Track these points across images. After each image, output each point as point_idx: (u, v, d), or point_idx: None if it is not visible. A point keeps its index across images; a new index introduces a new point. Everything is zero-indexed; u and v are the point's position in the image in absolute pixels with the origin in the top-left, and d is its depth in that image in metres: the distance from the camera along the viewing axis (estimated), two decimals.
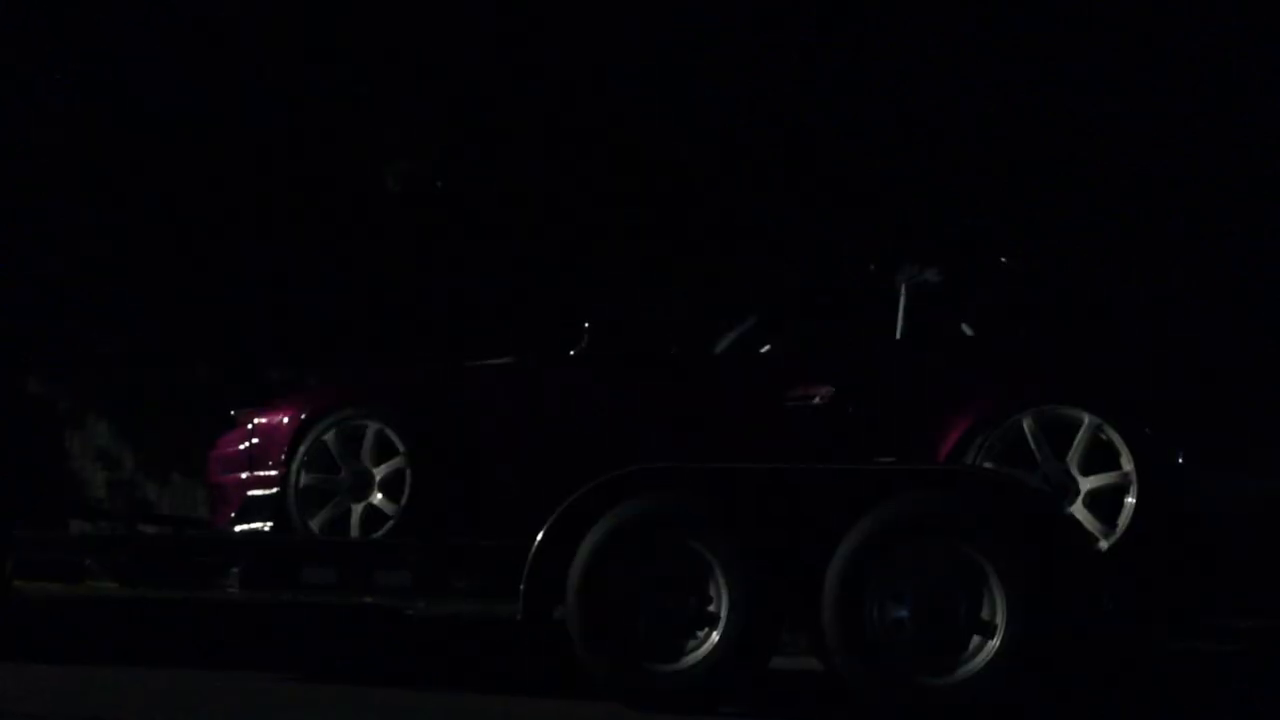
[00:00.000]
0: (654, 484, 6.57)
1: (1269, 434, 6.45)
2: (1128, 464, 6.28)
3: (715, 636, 6.37)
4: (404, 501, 7.15)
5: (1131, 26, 11.01)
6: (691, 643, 6.42)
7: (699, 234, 11.52)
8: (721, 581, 6.36)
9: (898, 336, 6.88)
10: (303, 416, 7.43)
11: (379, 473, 7.22)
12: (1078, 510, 6.36)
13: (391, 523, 7.16)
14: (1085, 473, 6.37)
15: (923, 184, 11.14)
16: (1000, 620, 6.07)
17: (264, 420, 7.61)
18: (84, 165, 12.32)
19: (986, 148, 11.13)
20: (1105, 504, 6.33)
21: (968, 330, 6.88)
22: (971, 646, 6.12)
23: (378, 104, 11.93)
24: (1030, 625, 6.04)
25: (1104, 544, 6.27)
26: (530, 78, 11.62)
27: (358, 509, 7.24)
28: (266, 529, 7.41)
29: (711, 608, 6.39)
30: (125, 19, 11.99)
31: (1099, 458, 6.36)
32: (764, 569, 6.36)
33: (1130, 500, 6.27)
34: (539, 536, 6.60)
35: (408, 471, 7.15)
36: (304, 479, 7.31)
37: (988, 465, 6.42)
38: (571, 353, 7.24)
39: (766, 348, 7.18)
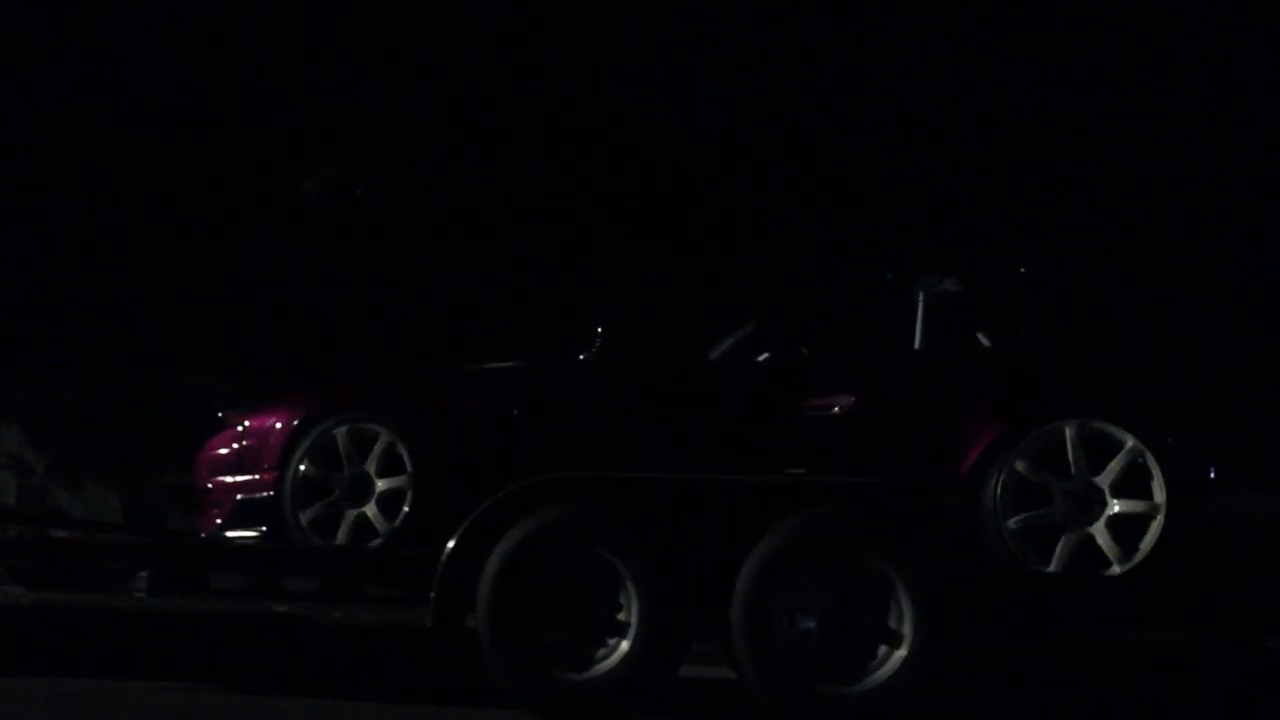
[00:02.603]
0: (566, 493, 6.57)
1: None
2: (1159, 495, 6.25)
3: (625, 645, 6.38)
4: (398, 523, 6.97)
5: (1131, 26, 11.10)
6: (602, 651, 6.43)
7: (702, 236, 11.48)
8: (632, 591, 6.38)
9: (916, 346, 6.86)
10: (302, 416, 7.23)
11: (381, 485, 7.07)
12: (1098, 529, 6.32)
13: (380, 540, 6.98)
14: (1116, 494, 6.34)
15: (938, 190, 11.18)
16: (907, 630, 6.14)
17: (259, 421, 7.41)
18: (84, 165, 12.14)
19: (1003, 153, 11.18)
20: (1125, 528, 6.31)
21: (984, 340, 6.86)
22: (879, 656, 6.20)
23: (377, 104, 11.85)
24: (936, 635, 6.12)
25: (1117, 568, 6.26)
26: (531, 77, 11.56)
27: (351, 515, 7.08)
28: (257, 535, 7.24)
29: (622, 616, 6.40)
30: (125, 19, 11.87)
31: (1130, 482, 6.32)
32: (674, 579, 6.37)
33: (1154, 530, 6.24)
34: (450, 544, 6.59)
35: (410, 493, 6.99)
36: (305, 468, 7.12)
37: (1020, 463, 6.39)
38: (581, 358, 7.14)
39: (765, 355, 7.11)
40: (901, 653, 6.15)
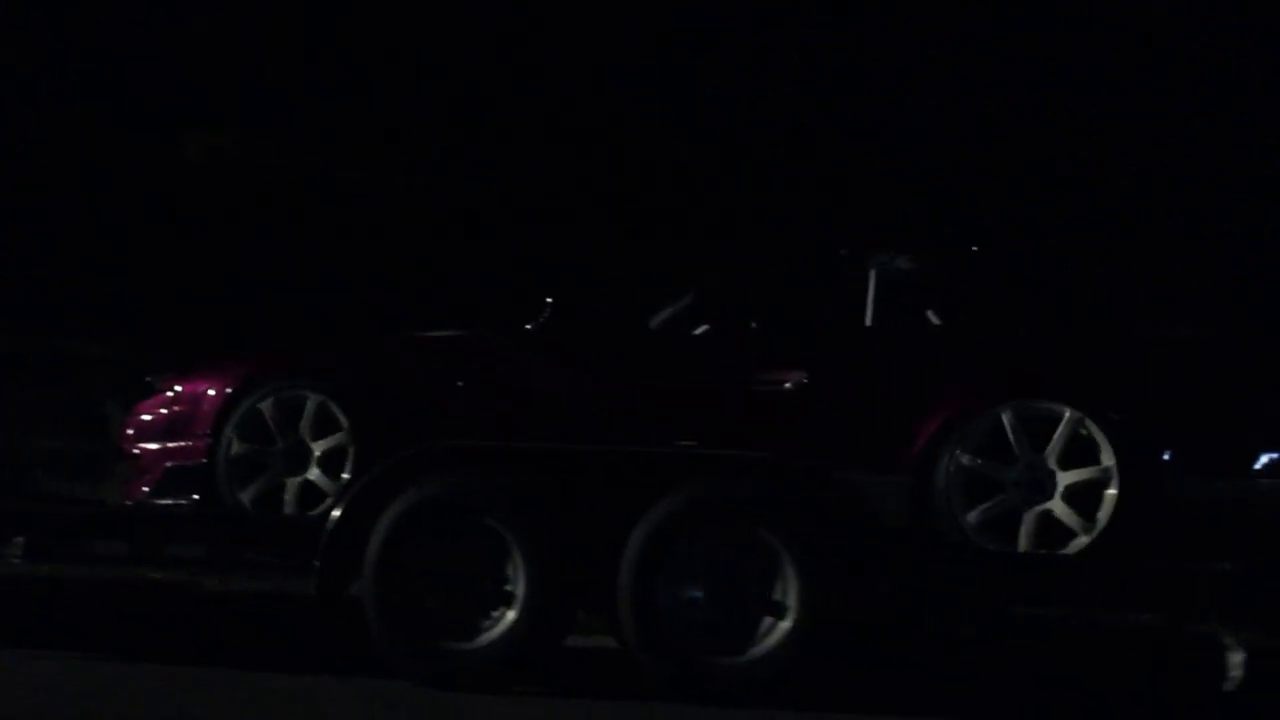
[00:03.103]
0: (453, 462, 6.55)
1: (1246, 430, 6.50)
2: (1108, 459, 6.30)
3: (511, 615, 6.40)
4: (345, 479, 6.86)
5: (1106, 22, 11.26)
6: (487, 622, 6.44)
7: (650, 212, 11.45)
8: (519, 561, 6.39)
9: (868, 323, 6.86)
10: (235, 383, 7.09)
11: (318, 447, 6.97)
12: (1056, 505, 6.38)
13: (330, 500, 6.83)
14: (1064, 467, 6.39)
15: (894, 171, 11.23)
16: (792, 601, 6.22)
17: (190, 387, 7.24)
18: (84, 165, 11.84)
19: (955, 134, 11.27)
20: (1085, 499, 6.35)
21: (934, 319, 6.87)
22: (763, 627, 6.27)
23: (378, 103, 11.69)
24: (820, 608, 6.20)
25: (1084, 539, 6.32)
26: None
27: (293, 483, 6.98)
28: (188, 503, 7.11)
29: (508, 587, 6.41)
30: (125, 19, 11.60)
31: (1078, 452, 6.37)
32: (561, 549, 6.39)
33: (1111, 494, 6.30)
34: (335, 512, 6.55)
35: (350, 449, 6.88)
36: (236, 448, 7.00)
37: (964, 456, 6.41)
38: (529, 327, 7.08)
39: (704, 328, 7.06)
40: (786, 624, 6.23)
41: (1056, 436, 6.38)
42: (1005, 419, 6.41)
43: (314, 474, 6.99)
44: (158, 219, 11.94)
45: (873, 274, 6.89)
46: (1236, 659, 6.24)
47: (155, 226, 11.94)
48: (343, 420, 6.93)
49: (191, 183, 11.82)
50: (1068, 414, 6.36)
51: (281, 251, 11.83)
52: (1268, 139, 11.01)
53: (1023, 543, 6.37)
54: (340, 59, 11.72)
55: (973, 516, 6.40)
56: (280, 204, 11.80)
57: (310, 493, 6.98)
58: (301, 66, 11.65)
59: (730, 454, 6.56)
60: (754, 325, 7.16)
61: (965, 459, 6.42)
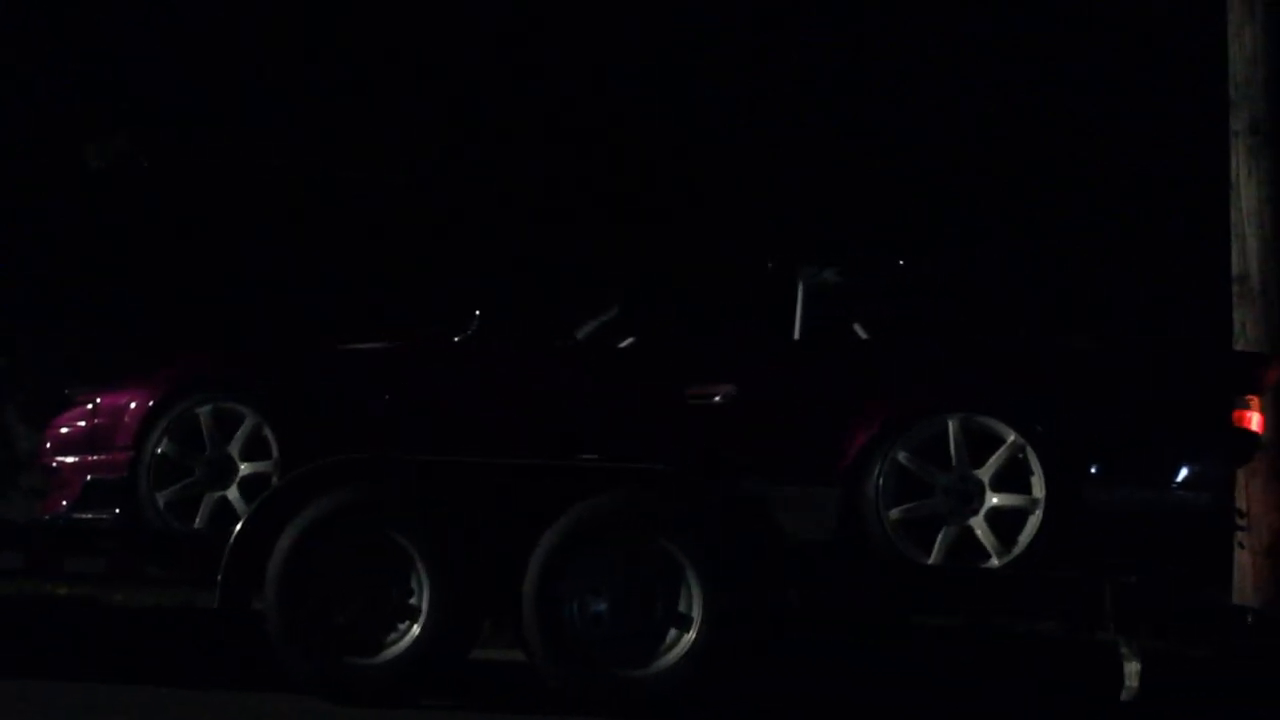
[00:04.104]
0: (355, 475, 6.52)
1: (1166, 448, 6.59)
2: (1039, 490, 6.38)
3: (416, 630, 6.38)
4: None
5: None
6: (392, 636, 6.42)
7: (582, 219, 11.44)
8: (423, 574, 6.37)
9: (796, 336, 6.88)
10: (160, 394, 6.99)
11: (244, 468, 6.89)
12: (978, 523, 6.44)
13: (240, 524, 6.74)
14: (996, 488, 6.46)
15: (822, 180, 11.27)
16: (696, 614, 6.24)
17: (111, 398, 7.14)
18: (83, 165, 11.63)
19: (886, 144, 11.33)
20: (1007, 521, 6.42)
21: (861, 332, 6.88)
22: (669, 639, 6.29)
23: (377, 103, 11.59)
24: (723, 618, 6.22)
25: (995, 561, 6.40)
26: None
27: (211, 498, 6.90)
28: (107, 517, 7.00)
29: (413, 600, 6.40)
30: (125, 19, 11.44)
31: (1011, 475, 6.43)
32: (465, 562, 6.38)
33: (1034, 521, 6.38)
34: (238, 526, 6.49)
35: (274, 479, 6.79)
36: (164, 446, 6.91)
37: (902, 454, 6.45)
38: (456, 339, 7.04)
39: (629, 340, 7.05)
40: (690, 636, 6.25)
41: (996, 457, 6.46)
42: (951, 426, 6.48)
43: (233, 494, 6.91)
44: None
45: (801, 285, 6.93)
46: (1133, 668, 6.31)
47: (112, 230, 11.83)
48: (274, 449, 6.88)
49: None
50: (1011, 438, 6.44)
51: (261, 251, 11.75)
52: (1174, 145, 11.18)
53: (936, 555, 6.44)
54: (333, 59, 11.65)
55: (895, 513, 6.46)
56: (271, 203, 11.72)
57: (225, 512, 6.89)
58: (300, 66, 11.57)
59: (631, 466, 6.55)
60: (681, 337, 7.18)
61: (902, 456, 6.48)
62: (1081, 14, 11.71)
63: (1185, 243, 10.87)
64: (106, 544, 7.09)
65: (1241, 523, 8.73)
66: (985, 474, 6.47)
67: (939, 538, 6.46)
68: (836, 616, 7.24)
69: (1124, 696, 6.33)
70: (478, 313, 7.04)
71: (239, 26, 11.68)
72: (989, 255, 10.89)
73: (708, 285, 7.64)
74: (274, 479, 6.81)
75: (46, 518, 7.29)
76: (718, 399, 6.75)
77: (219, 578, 6.47)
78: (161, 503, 6.94)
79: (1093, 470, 6.49)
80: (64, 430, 7.32)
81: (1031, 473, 6.42)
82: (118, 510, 7.02)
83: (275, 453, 6.88)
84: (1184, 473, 6.55)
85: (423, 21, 11.65)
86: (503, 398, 6.97)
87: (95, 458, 7.13)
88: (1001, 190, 11.62)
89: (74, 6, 11.78)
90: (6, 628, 8.99)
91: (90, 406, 7.25)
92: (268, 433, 6.90)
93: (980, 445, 6.49)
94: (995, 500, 6.46)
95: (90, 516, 7.08)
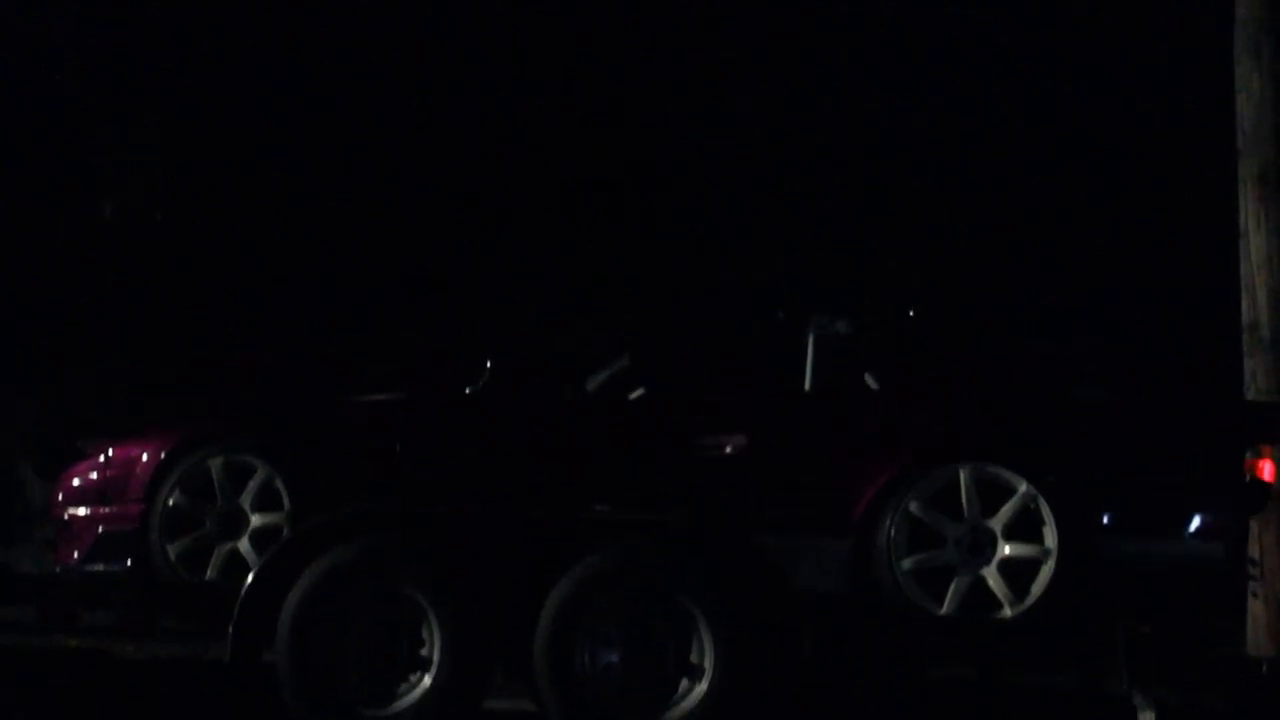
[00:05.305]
0: (367, 527, 6.52)
1: (1178, 497, 6.61)
2: (1051, 540, 6.41)
3: (428, 680, 6.37)
4: None
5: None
6: (404, 687, 6.41)
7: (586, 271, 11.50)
8: (434, 625, 6.36)
9: (807, 386, 6.89)
10: (172, 446, 7.02)
11: (255, 520, 6.92)
12: (990, 573, 6.48)
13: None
14: (1008, 538, 6.49)
15: (832, 230, 11.30)
16: (708, 664, 6.24)
17: (124, 450, 7.18)
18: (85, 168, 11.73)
19: (895, 193, 11.37)
20: (1020, 571, 6.45)
21: (872, 383, 6.89)
22: (680, 689, 6.29)
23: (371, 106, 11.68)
24: (736, 669, 6.21)
25: (1008, 611, 6.43)
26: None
27: (222, 550, 6.93)
28: (119, 569, 7.03)
29: (424, 651, 6.39)
30: (129, 18, 11.55)
31: (1024, 525, 6.46)
32: (477, 613, 6.37)
33: (1046, 574, 6.42)
34: (249, 579, 6.49)
35: (285, 531, 6.81)
36: (176, 498, 6.94)
37: (914, 504, 6.48)
38: (468, 390, 7.07)
39: (640, 391, 7.07)
40: (702, 687, 6.24)
41: (1007, 506, 6.48)
42: (963, 476, 6.50)
43: (244, 546, 6.93)
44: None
45: (811, 336, 6.95)
46: (1148, 719, 6.29)
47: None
48: (286, 501, 6.91)
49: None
50: (1023, 488, 6.47)
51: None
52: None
53: (949, 605, 6.45)
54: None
55: (908, 563, 6.48)
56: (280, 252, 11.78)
57: (236, 564, 6.91)
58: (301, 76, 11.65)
59: (643, 518, 6.58)
60: (691, 388, 7.19)
61: (914, 506, 6.50)
62: (1092, 65, 11.76)
63: (1196, 292, 10.88)
64: (118, 596, 7.12)
65: (1254, 573, 8.69)
66: (997, 524, 6.50)
67: (951, 588, 6.48)
68: (849, 667, 7.20)
69: None
70: (488, 364, 7.07)
71: (239, 27, 11.76)
72: (999, 304, 10.91)
73: (718, 336, 7.65)
74: (285, 531, 6.82)
75: (58, 570, 7.31)
76: (728, 450, 6.76)
77: (230, 629, 6.46)
78: (173, 554, 6.96)
79: (1105, 520, 6.52)
80: (75, 482, 7.34)
81: (1044, 522, 6.45)
82: (129, 562, 7.04)
83: (287, 504, 6.91)
84: (1196, 523, 6.56)
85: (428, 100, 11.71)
86: (514, 449, 6.99)
87: (107, 510, 7.16)
88: (1014, 237, 11.64)
89: (73, 6, 11.88)
90: (17, 680, 8.96)
91: (102, 458, 7.27)
92: (279, 484, 6.93)
93: (992, 495, 6.51)
94: (1007, 550, 6.48)
95: (102, 568, 7.10)
